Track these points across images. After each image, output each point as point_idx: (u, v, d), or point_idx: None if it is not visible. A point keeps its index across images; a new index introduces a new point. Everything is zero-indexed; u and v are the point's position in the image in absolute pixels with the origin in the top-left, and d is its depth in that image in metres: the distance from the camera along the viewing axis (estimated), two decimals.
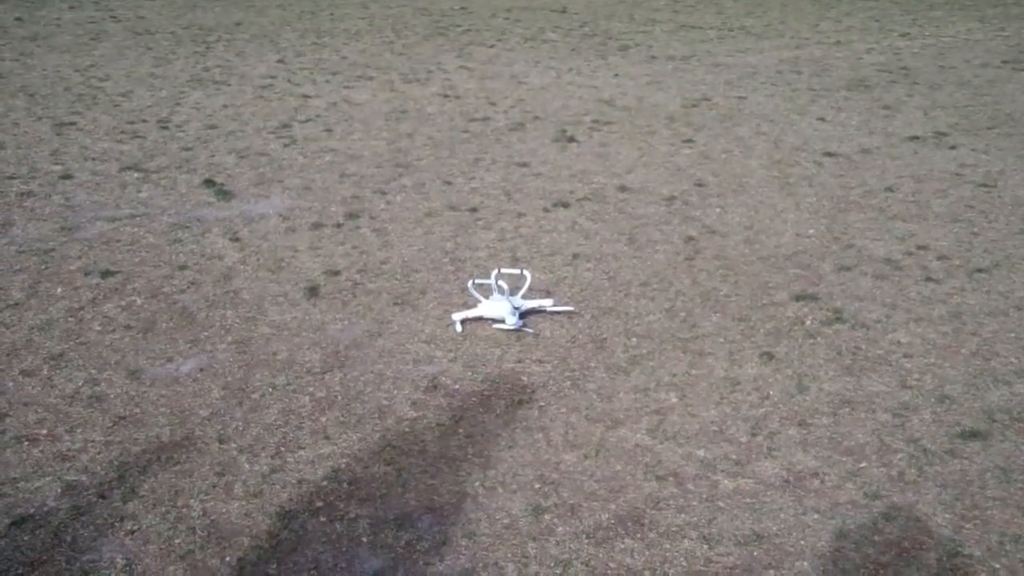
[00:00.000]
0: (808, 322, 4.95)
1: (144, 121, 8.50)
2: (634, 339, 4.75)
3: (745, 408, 4.12)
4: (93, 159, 7.36)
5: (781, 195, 6.96)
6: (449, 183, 7.09)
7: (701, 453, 3.79)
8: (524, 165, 7.58)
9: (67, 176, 6.95)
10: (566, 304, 5.07)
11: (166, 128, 8.31)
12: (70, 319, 4.80)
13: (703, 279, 5.49)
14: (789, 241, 6.06)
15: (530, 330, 4.77)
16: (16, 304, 4.94)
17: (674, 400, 4.18)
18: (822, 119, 9.29)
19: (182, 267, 5.47)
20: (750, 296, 5.25)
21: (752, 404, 4.16)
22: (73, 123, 8.38)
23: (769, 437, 3.90)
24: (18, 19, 13.73)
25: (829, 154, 8.05)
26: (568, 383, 4.31)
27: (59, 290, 5.12)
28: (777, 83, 11.02)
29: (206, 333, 4.70)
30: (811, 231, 6.26)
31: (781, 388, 4.29)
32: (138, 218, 6.19)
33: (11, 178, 6.86)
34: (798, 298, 5.22)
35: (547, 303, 5.00)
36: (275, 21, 14.80)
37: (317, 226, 6.15)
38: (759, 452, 3.80)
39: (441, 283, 5.35)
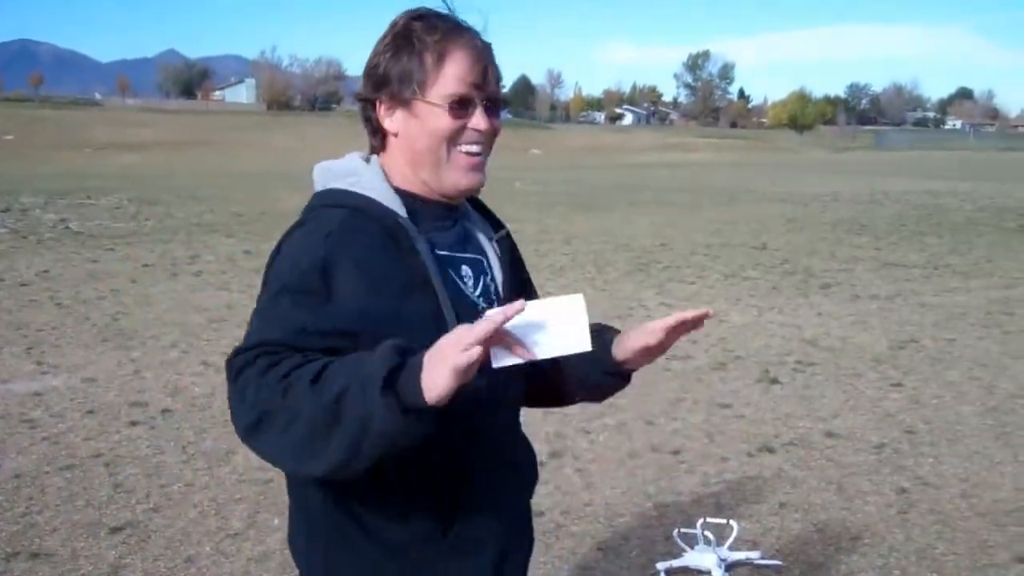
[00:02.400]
0: None
1: None
2: None
3: None
4: None
5: (997, 445, 6.70)
6: (651, 423, 7.16)
7: None
8: (727, 406, 7.60)
9: None
10: (774, 557, 4.98)
11: None
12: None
13: (917, 535, 5.30)
14: (1008, 496, 5.80)
15: None
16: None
17: None
18: None
19: None
20: (968, 555, 5.02)
21: None
22: None
23: None
24: None
25: None
26: None
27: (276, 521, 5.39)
28: (988, 324, 10.74)
29: None
30: None
31: None
32: None
33: None
34: (1021, 560, 4.96)
35: (754, 555, 4.92)
36: None
37: None
38: None
39: (644, 529, 5.36)
